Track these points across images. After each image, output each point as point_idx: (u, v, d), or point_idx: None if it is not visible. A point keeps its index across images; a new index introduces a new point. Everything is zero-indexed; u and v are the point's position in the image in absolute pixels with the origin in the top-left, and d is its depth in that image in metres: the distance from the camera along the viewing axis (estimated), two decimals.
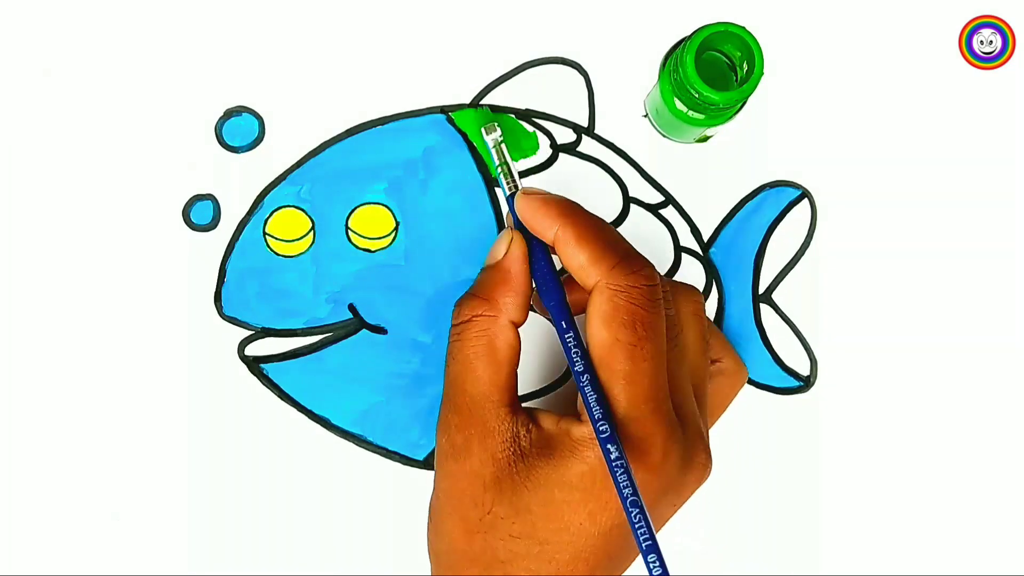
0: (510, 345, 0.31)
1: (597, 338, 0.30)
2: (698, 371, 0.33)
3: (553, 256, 0.33)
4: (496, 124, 0.36)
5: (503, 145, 0.35)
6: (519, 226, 0.33)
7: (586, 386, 0.29)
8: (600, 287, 0.30)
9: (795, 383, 0.41)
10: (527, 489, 0.30)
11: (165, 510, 0.40)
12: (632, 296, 0.29)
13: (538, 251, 0.33)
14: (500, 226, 0.40)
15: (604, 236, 0.31)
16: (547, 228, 0.31)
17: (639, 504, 0.27)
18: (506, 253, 0.32)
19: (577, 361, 0.30)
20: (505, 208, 0.37)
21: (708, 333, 0.34)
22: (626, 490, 0.27)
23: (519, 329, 0.32)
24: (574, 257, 0.30)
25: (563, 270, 0.32)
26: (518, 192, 0.33)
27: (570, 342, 0.30)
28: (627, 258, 0.30)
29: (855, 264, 0.41)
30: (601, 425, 0.28)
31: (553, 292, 0.32)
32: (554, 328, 0.31)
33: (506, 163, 0.35)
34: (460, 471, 0.31)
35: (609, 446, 0.28)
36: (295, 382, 0.40)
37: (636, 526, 0.27)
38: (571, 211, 0.31)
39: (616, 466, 0.28)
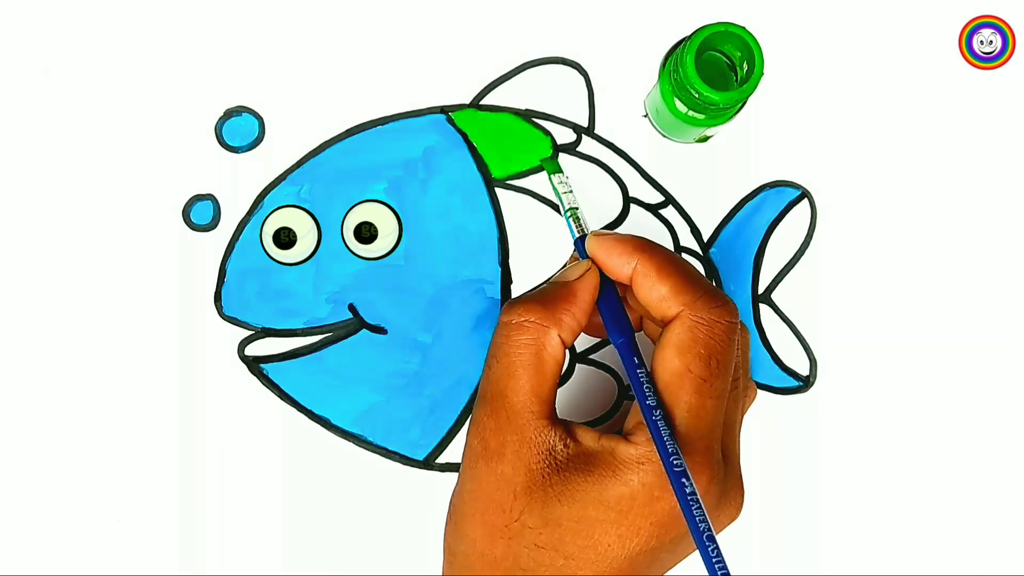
0: (556, 360, 0.31)
1: (668, 365, 0.30)
2: (743, 405, 0.33)
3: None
4: (560, 167, 0.37)
5: (572, 193, 0.36)
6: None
7: (659, 420, 0.29)
8: (683, 317, 0.30)
9: (795, 383, 0.41)
10: (559, 502, 0.30)
11: (165, 510, 0.40)
12: (713, 330, 0.30)
13: (609, 287, 0.33)
14: (500, 226, 0.40)
15: (687, 269, 0.31)
16: (623, 264, 0.31)
17: (715, 540, 0.27)
18: (579, 279, 0.32)
19: (649, 395, 0.30)
20: (570, 247, 0.37)
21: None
22: (702, 524, 0.27)
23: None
24: (654, 289, 0.31)
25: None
26: (589, 234, 0.33)
27: (642, 377, 0.30)
28: (711, 292, 0.30)
29: (855, 264, 0.41)
30: (675, 460, 0.28)
31: (625, 328, 0.32)
32: (618, 366, 0.32)
33: (575, 209, 0.35)
34: (491, 475, 0.31)
35: (684, 480, 0.28)
36: (295, 382, 0.40)
37: (714, 561, 0.27)
38: (650, 246, 0.32)
39: (691, 500, 0.28)
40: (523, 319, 0.31)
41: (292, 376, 0.40)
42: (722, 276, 0.41)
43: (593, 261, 0.33)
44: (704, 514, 0.28)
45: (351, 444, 0.40)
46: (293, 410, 0.40)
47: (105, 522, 0.40)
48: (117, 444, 0.40)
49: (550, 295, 0.32)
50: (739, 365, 0.32)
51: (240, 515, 0.40)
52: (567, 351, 0.32)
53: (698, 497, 0.28)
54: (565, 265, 0.36)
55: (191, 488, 0.40)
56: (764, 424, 0.40)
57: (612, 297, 0.33)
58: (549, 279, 0.34)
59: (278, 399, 0.40)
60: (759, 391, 0.41)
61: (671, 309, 0.30)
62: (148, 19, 0.41)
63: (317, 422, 0.40)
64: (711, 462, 0.30)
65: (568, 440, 0.30)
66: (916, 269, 0.41)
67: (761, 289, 0.41)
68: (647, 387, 0.30)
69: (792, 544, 0.40)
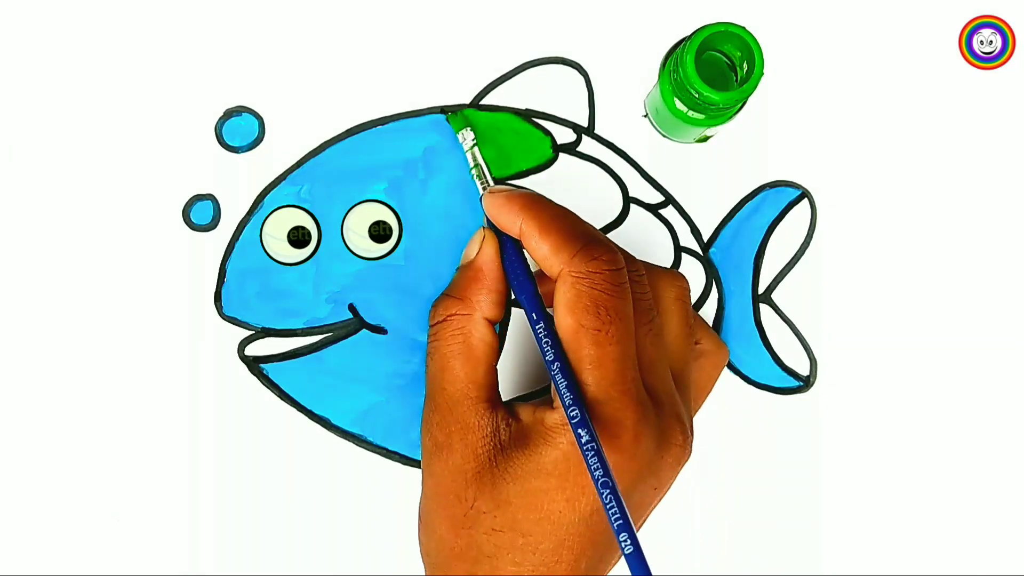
0: (486, 342, 0.32)
1: (563, 325, 0.30)
2: (679, 354, 0.33)
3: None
4: (469, 127, 0.37)
5: (476, 148, 0.37)
6: (491, 225, 0.34)
7: (556, 373, 0.29)
8: (563, 275, 0.30)
9: (795, 383, 0.41)
10: (505, 481, 0.30)
11: (164, 510, 0.40)
12: (595, 282, 0.30)
13: (510, 248, 0.33)
14: None
15: (565, 225, 0.31)
16: (512, 223, 0.32)
17: (610, 484, 0.27)
18: (478, 252, 0.33)
19: (548, 350, 0.30)
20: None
21: (693, 320, 0.35)
22: (597, 471, 0.27)
23: (501, 328, 0.33)
24: (538, 249, 0.31)
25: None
26: (484, 192, 0.34)
27: (540, 332, 0.30)
28: (588, 245, 0.30)
29: (855, 264, 0.41)
30: (572, 410, 0.28)
31: (524, 285, 0.32)
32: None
33: (478, 164, 0.36)
34: (444, 468, 0.31)
35: (580, 430, 0.28)
36: (295, 382, 0.40)
37: (608, 506, 0.27)
38: (533, 203, 0.32)
39: (587, 449, 0.28)
40: (444, 316, 0.32)
41: (292, 376, 0.40)
42: (722, 276, 0.41)
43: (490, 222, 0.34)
44: (600, 460, 0.27)
45: (351, 444, 0.40)
46: (293, 410, 0.40)
47: (105, 522, 0.40)
48: (117, 444, 0.40)
49: (460, 283, 0.33)
50: (650, 306, 0.32)
51: (240, 515, 0.40)
52: (497, 328, 0.33)
53: (596, 444, 0.27)
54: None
55: (191, 488, 0.40)
56: (764, 424, 0.40)
57: (512, 257, 0.33)
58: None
59: (278, 399, 0.40)
60: (759, 391, 0.41)
61: (554, 267, 0.30)
62: (148, 19, 0.41)
63: (317, 422, 0.40)
64: (634, 403, 0.29)
65: (510, 420, 0.31)
66: (916, 269, 0.41)
67: (761, 289, 0.41)
68: (545, 340, 0.30)
69: (792, 544, 0.40)
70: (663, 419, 0.31)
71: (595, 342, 0.29)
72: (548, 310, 0.31)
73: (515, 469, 0.30)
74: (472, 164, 0.36)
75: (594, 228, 0.32)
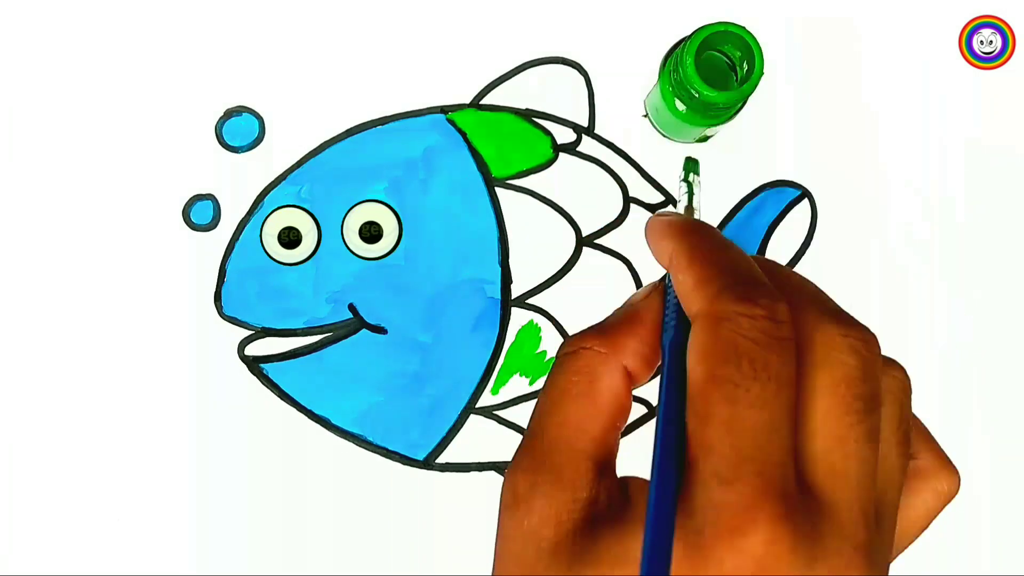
0: (615, 393, 0.24)
1: (692, 377, 0.22)
2: (887, 467, 0.24)
3: None
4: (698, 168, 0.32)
5: (696, 191, 0.31)
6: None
7: (658, 440, 0.22)
8: (701, 314, 0.23)
9: None
10: (584, 564, 0.22)
11: (164, 509, 0.40)
12: (739, 325, 0.22)
13: (683, 331, 0.25)
14: (500, 226, 0.40)
15: (720, 257, 0.24)
16: (663, 250, 0.26)
17: None
18: (645, 298, 0.27)
19: (662, 397, 0.23)
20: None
21: (911, 425, 0.25)
22: None
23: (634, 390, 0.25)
24: (682, 282, 0.24)
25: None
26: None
27: (664, 381, 0.23)
28: (742, 281, 0.23)
29: (855, 264, 0.41)
30: (659, 488, 0.21)
31: (672, 331, 0.25)
32: None
33: (694, 194, 0.31)
34: (515, 529, 0.24)
35: (657, 519, 0.20)
36: (295, 382, 0.40)
37: None
38: (691, 229, 0.26)
39: (652, 553, 0.20)
40: (578, 347, 0.25)
41: (292, 376, 0.40)
42: None
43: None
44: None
45: (351, 444, 0.40)
46: (293, 410, 0.40)
47: (104, 521, 0.40)
48: (117, 444, 0.40)
49: (610, 319, 0.26)
50: (872, 394, 0.23)
51: (240, 515, 0.40)
52: (631, 386, 0.25)
53: (664, 542, 0.20)
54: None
55: (191, 488, 0.40)
56: None
57: (680, 347, 0.24)
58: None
59: (278, 399, 0.40)
60: None
61: (693, 305, 0.23)
62: (148, 19, 0.41)
63: (317, 422, 0.40)
64: (774, 494, 0.20)
65: (616, 492, 0.23)
66: (916, 269, 0.41)
67: None
68: (664, 389, 0.23)
69: None
70: (834, 525, 0.21)
71: (729, 399, 0.21)
72: None
73: (600, 552, 0.22)
74: (688, 194, 0.31)
75: (760, 271, 0.24)
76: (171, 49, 0.41)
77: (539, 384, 0.40)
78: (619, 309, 0.27)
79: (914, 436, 0.26)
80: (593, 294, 0.40)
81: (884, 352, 0.39)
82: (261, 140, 0.41)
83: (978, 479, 0.41)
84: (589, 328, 0.26)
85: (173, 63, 0.41)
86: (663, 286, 0.27)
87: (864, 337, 0.24)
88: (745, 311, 0.22)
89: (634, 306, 0.27)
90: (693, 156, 0.34)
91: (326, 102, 0.41)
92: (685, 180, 0.31)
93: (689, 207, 0.30)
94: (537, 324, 0.40)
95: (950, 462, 0.27)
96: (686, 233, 0.26)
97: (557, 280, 0.40)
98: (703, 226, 0.26)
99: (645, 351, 0.25)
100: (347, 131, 0.41)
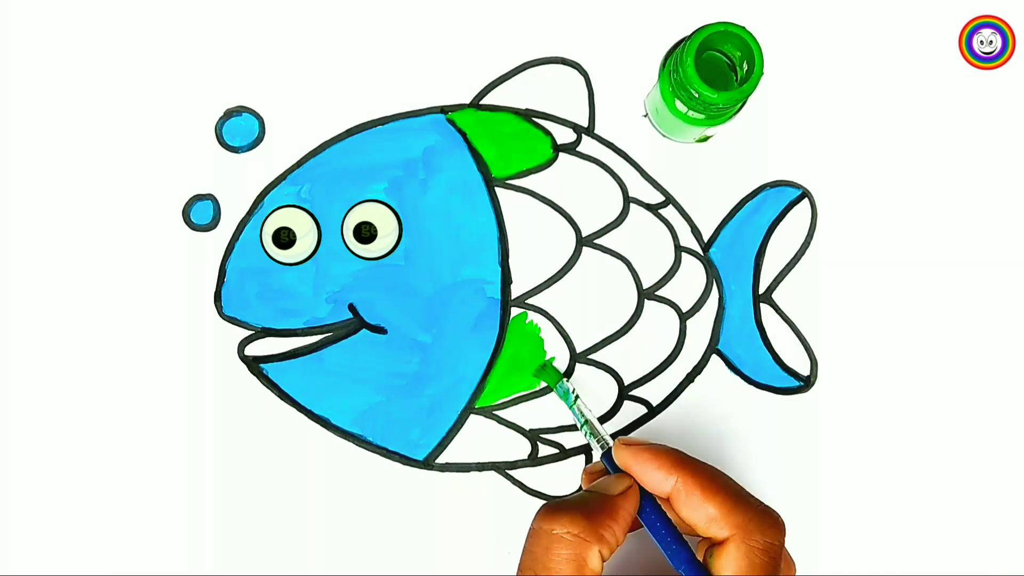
0: (596, 574, 0.30)
1: None
2: None
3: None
4: (565, 378, 0.37)
5: (580, 401, 0.36)
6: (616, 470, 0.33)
7: None
8: (736, 542, 0.29)
9: (795, 383, 0.41)
10: None
11: (164, 509, 0.40)
12: (769, 555, 0.29)
13: (652, 503, 0.32)
14: (500, 226, 0.40)
15: (731, 487, 0.31)
16: (662, 480, 0.31)
17: None
18: (621, 495, 0.32)
19: None
20: (597, 454, 0.37)
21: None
22: None
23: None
24: (699, 509, 0.30)
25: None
26: (616, 443, 0.33)
27: None
28: (760, 512, 0.30)
29: (855, 264, 0.41)
30: None
31: (681, 552, 0.31)
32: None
33: (589, 421, 0.35)
34: None
35: None
36: (295, 382, 0.40)
37: None
38: (686, 462, 0.31)
39: None
40: (565, 531, 0.30)
41: (292, 376, 0.40)
42: (722, 276, 0.41)
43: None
44: None
45: (351, 444, 0.40)
46: (293, 410, 0.40)
47: (104, 521, 0.40)
48: (116, 443, 0.40)
49: (593, 507, 0.31)
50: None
51: (240, 515, 0.40)
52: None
53: None
54: (586, 470, 0.36)
55: (191, 488, 0.40)
56: (764, 424, 0.40)
57: (660, 514, 0.32)
58: (588, 488, 0.33)
59: (278, 399, 0.40)
60: (759, 391, 0.41)
61: (721, 531, 0.30)
62: (148, 19, 0.41)
63: (317, 422, 0.40)
64: None
65: None
66: (916, 269, 0.41)
67: (762, 289, 0.41)
68: None
69: (792, 544, 0.40)
70: None
71: None
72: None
73: None
74: (582, 422, 0.35)
75: (743, 488, 0.31)
76: (171, 49, 0.41)
77: (540, 382, 0.40)
78: (597, 495, 0.32)
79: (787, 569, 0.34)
80: (593, 294, 0.40)
81: (888, 352, 0.40)
82: (261, 140, 0.41)
83: (978, 479, 0.41)
84: (571, 507, 0.31)
85: (173, 63, 0.41)
86: (637, 488, 0.32)
87: (783, 536, 0.31)
88: (772, 540, 0.29)
89: (614, 500, 0.31)
90: (545, 370, 0.39)
91: (326, 102, 0.41)
92: (568, 400, 0.37)
93: (592, 428, 0.35)
94: (533, 322, 0.40)
95: (789, 555, 0.33)
96: (684, 465, 0.31)
97: (557, 280, 0.40)
98: (692, 459, 0.32)
99: (615, 543, 0.31)
100: (347, 131, 0.41)
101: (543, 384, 0.40)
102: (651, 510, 0.32)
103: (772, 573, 0.29)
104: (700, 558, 0.31)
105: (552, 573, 0.30)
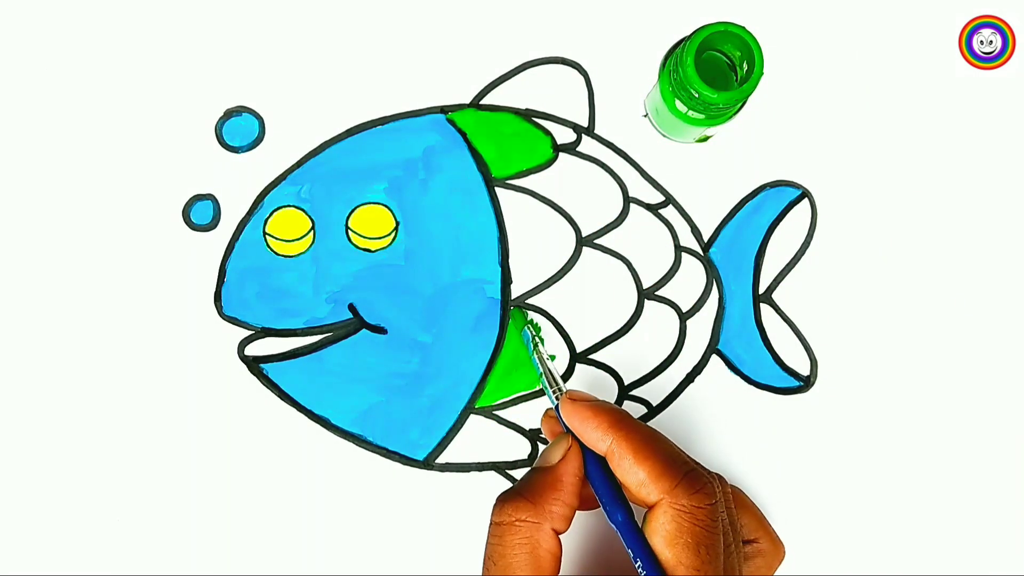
0: (552, 554, 0.31)
1: (661, 558, 0.30)
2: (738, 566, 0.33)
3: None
4: (531, 326, 0.37)
5: (541, 348, 0.35)
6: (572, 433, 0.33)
7: None
8: (663, 506, 0.30)
9: (795, 383, 0.41)
10: None
11: (164, 509, 0.40)
12: (696, 518, 0.29)
13: (597, 466, 0.32)
14: (500, 226, 0.40)
15: (663, 451, 0.31)
16: (598, 440, 0.31)
17: None
18: (561, 460, 0.32)
19: None
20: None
21: (739, 514, 0.34)
22: None
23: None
24: (631, 472, 0.30)
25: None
26: (563, 397, 0.33)
27: (639, 567, 0.30)
28: (689, 475, 0.30)
29: (855, 264, 0.41)
30: None
31: (618, 511, 0.31)
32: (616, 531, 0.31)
33: (548, 370, 0.35)
34: None
35: None
36: (295, 382, 0.40)
37: None
38: (623, 422, 0.31)
39: None
40: (513, 519, 0.31)
41: (292, 376, 0.40)
42: (722, 276, 0.41)
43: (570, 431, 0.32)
44: None
45: (351, 444, 0.40)
46: (293, 410, 0.40)
47: (104, 521, 0.40)
48: (116, 443, 0.40)
49: (536, 486, 0.31)
50: (727, 532, 0.31)
51: (240, 515, 0.40)
52: (560, 540, 0.31)
53: None
54: (546, 439, 0.35)
55: (190, 488, 0.40)
56: (764, 424, 0.40)
57: (602, 472, 0.32)
58: (533, 464, 0.33)
59: (278, 399, 0.40)
60: (759, 391, 0.41)
61: (651, 495, 0.30)
62: (148, 19, 0.41)
63: (317, 422, 0.40)
64: None
65: None
66: (916, 269, 0.41)
67: (762, 289, 0.41)
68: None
69: (792, 544, 0.40)
70: None
71: None
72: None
73: None
74: (541, 370, 0.35)
75: (684, 452, 0.31)
76: (171, 49, 0.41)
77: (540, 382, 0.40)
78: (539, 470, 0.32)
79: (752, 523, 0.35)
80: (593, 294, 0.40)
81: (888, 352, 0.40)
82: (261, 140, 0.41)
83: (978, 479, 0.41)
84: (517, 493, 0.31)
85: (173, 63, 0.41)
86: (579, 449, 0.32)
87: (713, 497, 0.30)
88: (697, 503, 0.29)
89: (555, 469, 0.32)
90: (514, 316, 0.39)
91: (326, 102, 0.41)
92: (529, 347, 0.36)
93: (550, 377, 0.34)
94: (531, 317, 0.40)
95: (779, 541, 0.35)
96: (619, 425, 0.31)
97: (557, 280, 0.40)
98: (628, 417, 0.32)
99: (567, 511, 0.31)
100: (347, 131, 0.41)
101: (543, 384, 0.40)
102: (593, 469, 0.32)
103: (703, 535, 0.29)
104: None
105: (508, 560, 0.30)
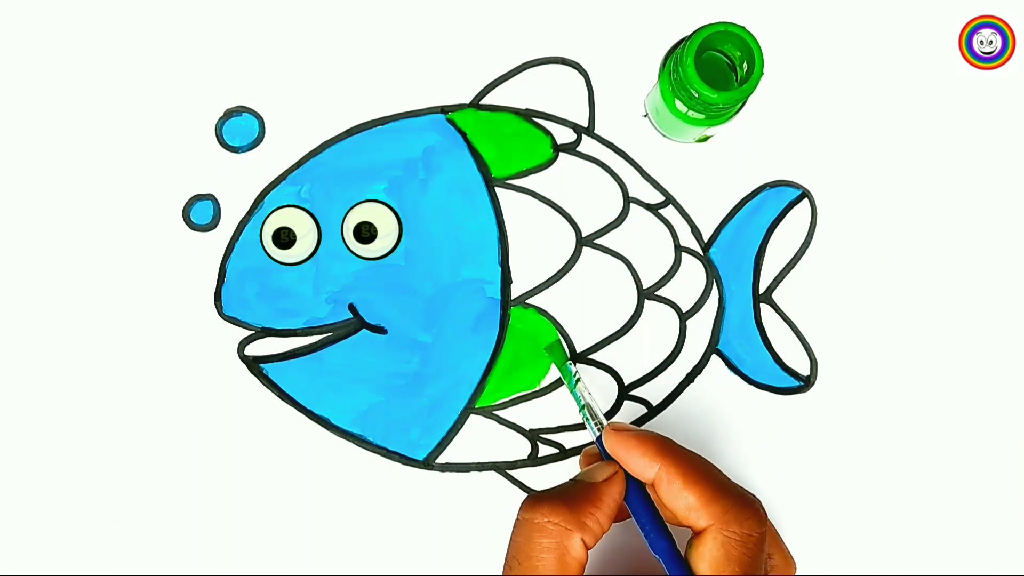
0: (580, 564, 0.30)
1: None
2: None
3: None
4: (571, 360, 0.37)
5: (581, 383, 0.36)
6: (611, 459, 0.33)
7: None
8: (713, 532, 0.29)
9: (795, 383, 0.41)
10: None
11: (163, 509, 0.40)
12: (747, 546, 0.29)
13: (636, 491, 0.32)
14: (500, 226, 0.40)
15: (713, 475, 0.31)
16: (646, 467, 0.31)
17: None
18: (604, 480, 0.32)
19: None
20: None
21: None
22: None
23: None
24: (680, 497, 0.30)
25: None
26: (606, 428, 0.33)
27: None
28: (740, 502, 0.30)
29: (855, 264, 0.41)
30: None
31: (661, 541, 0.31)
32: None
33: (588, 405, 0.35)
34: None
35: None
36: (295, 382, 0.40)
37: None
38: (671, 450, 0.31)
39: None
40: (546, 520, 0.30)
41: (292, 376, 0.40)
42: (722, 276, 0.41)
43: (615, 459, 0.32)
44: None
45: (351, 444, 0.40)
46: (293, 410, 0.40)
47: (104, 522, 0.40)
48: (116, 444, 0.40)
49: (575, 496, 0.31)
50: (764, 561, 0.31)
51: (240, 515, 0.40)
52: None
53: None
54: (581, 465, 0.36)
55: (190, 488, 0.40)
56: (764, 424, 0.40)
57: (644, 500, 0.32)
58: (574, 477, 0.33)
59: (278, 399, 0.40)
60: (759, 391, 0.41)
61: (700, 520, 0.30)
62: (148, 19, 0.41)
63: (317, 422, 0.40)
64: None
65: None
66: (916, 269, 0.41)
67: (761, 289, 0.41)
68: None
69: (792, 544, 0.40)
70: None
71: None
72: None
73: None
74: (581, 404, 0.35)
75: (728, 478, 0.31)
76: (171, 49, 0.41)
77: (540, 382, 0.40)
78: (581, 483, 0.32)
79: (771, 543, 0.34)
80: (593, 294, 0.40)
81: (888, 352, 0.40)
82: (261, 140, 0.41)
83: (978, 479, 0.41)
84: (554, 497, 0.31)
85: (173, 63, 0.41)
86: (623, 475, 0.32)
87: (762, 526, 0.30)
88: (748, 531, 0.29)
89: (597, 487, 0.31)
90: (553, 349, 0.39)
91: (326, 102, 0.41)
92: (572, 383, 0.37)
93: (591, 410, 0.35)
94: (537, 312, 0.40)
95: (791, 558, 0.35)
96: (667, 452, 0.31)
97: (557, 280, 0.40)
98: (675, 445, 0.31)
99: (599, 530, 0.31)
100: (347, 131, 0.41)
101: (543, 384, 0.40)
102: (635, 497, 0.32)
103: (750, 564, 0.29)
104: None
105: (534, 562, 0.30)
